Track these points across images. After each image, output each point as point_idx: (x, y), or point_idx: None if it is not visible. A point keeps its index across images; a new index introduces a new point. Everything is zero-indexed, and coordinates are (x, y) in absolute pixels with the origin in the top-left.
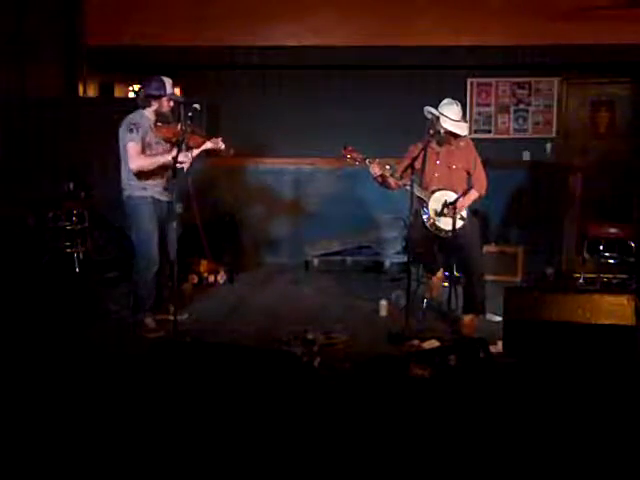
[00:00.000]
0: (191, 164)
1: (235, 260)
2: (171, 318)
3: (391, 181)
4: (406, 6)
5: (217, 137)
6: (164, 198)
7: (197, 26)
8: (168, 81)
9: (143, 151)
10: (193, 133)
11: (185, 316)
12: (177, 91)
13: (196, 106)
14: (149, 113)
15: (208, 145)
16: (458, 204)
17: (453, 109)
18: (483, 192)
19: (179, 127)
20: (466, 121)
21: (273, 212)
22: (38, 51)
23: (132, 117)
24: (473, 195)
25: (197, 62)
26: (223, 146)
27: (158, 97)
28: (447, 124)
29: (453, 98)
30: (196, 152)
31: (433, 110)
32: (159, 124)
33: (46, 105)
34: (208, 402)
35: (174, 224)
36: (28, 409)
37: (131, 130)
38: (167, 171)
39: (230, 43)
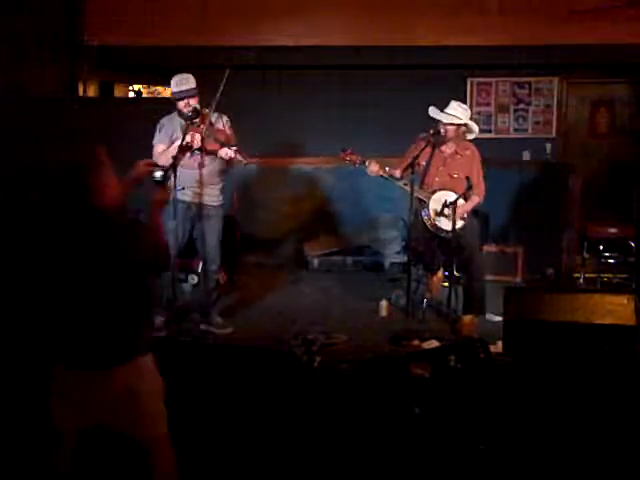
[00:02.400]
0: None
1: (235, 260)
2: (213, 330)
3: (394, 181)
4: (406, 6)
5: (231, 148)
6: (196, 200)
7: (197, 26)
8: (174, 78)
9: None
10: (210, 137)
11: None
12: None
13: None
14: (177, 114)
15: (220, 153)
16: (459, 210)
17: (450, 104)
18: (482, 198)
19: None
20: (459, 117)
21: (273, 212)
22: (38, 51)
23: (163, 118)
24: (475, 200)
25: (197, 62)
26: (232, 155)
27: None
28: (432, 112)
29: (453, 98)
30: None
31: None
32: (189, 123)
33: (46, 105)
34: (208, 401)
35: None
36: (29, 409)
37: (159, 130)
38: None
39: (230, 43)
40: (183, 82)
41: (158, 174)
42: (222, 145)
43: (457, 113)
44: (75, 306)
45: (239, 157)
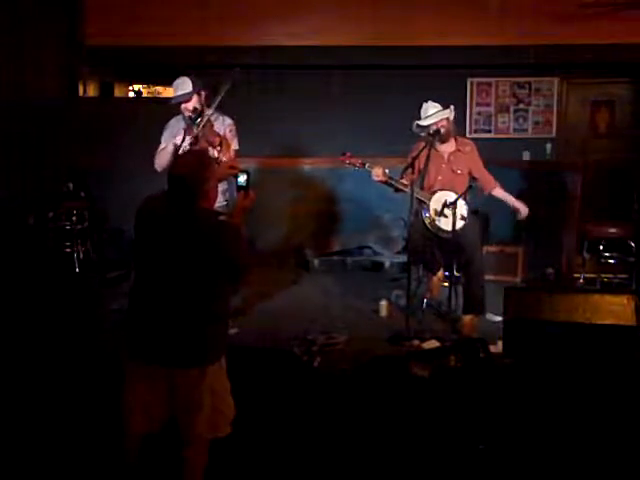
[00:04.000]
0: None
1: None
2: None
3: (395, 184)
4: (406, 6)
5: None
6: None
7: (197, 26)
8: (176, 83)
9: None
10: (203, 137)
11: None
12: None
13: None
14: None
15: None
16: (515, 203)
17: (424, 107)
18: (496, 185)
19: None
20: (443, 111)
21: (273, 212)
22: (38, 51)
23: (173, 118)
24: (502, 192)
25: (197, 62)
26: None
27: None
28: (424, 121)
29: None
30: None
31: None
32: (193, 125)
33: (46, 105)
34: None
35: None
36: (28, 409)
37: (165, 130)
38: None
39: (230, 43)
40: (179, 87)
41: (242, 178)
42: (212, 147)
43: (439, 109)
44: (173, 303)
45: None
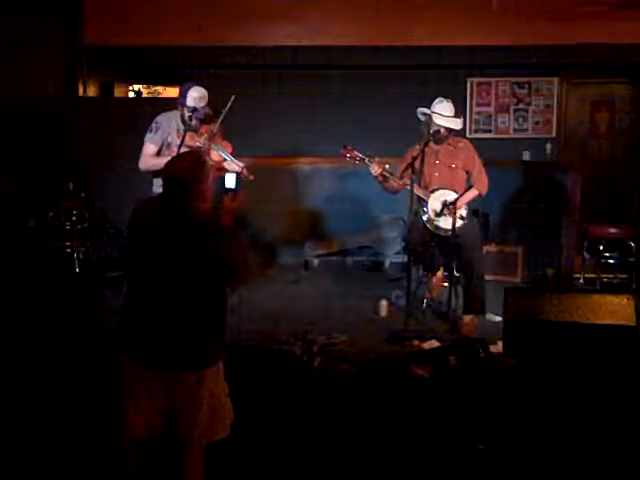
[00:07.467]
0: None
1: None
2: None
3: (392, 181)
4: (406, 6)
5: (240, 162)
6: None
7: (197, 26)
8: (194, 92)
9: (159, 152)
10: (218, 150)
11: None
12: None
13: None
14: (179, 117)
15: (225, 165)
16: (457, 202)
17: (445, 106)
18: (483, 191)
19: (203, 138)
20: (459, 117)
21: (273, 212)
22: (38, 51)
23: (160, 116)
24: (472, 193)
25: (197, 62)
26: (242, 171)
27: (181, 104)
28: (440, 120)
29: (453, 98)
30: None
31: (426, 110)
32: (190, 131)
33: (46, 105)
34: None
35: None
36: (27, 410)
37: (150, 130)
38: None
39: (230, 43)
40: (203, 99)
41: (231, 180)
42: (225, 159)
43: (450, 115)
44: (170, 306)
45: (245, 172)
